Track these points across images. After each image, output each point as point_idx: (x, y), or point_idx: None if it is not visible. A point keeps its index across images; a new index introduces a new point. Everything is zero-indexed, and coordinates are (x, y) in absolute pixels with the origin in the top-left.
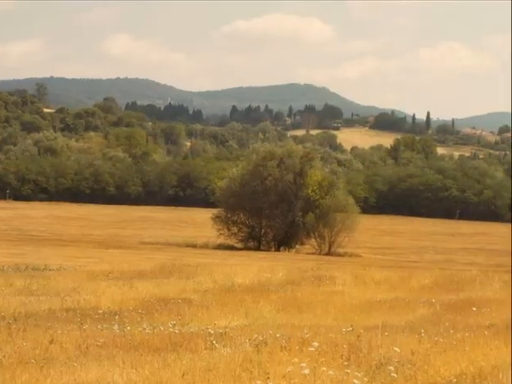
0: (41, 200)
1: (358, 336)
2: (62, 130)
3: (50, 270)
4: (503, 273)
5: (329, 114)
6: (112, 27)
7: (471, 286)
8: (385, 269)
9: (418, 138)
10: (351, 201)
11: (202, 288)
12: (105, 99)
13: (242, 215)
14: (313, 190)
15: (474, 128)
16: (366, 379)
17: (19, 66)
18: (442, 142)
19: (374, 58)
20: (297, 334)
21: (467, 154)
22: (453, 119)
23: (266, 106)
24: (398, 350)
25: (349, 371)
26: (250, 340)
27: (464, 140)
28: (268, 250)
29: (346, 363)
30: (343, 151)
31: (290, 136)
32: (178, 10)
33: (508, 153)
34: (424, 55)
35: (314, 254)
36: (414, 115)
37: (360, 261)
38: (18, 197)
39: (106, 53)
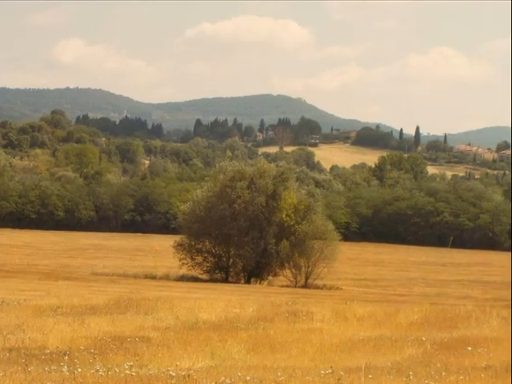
0: None
1: (339, 379)
2: (5, 146)
3: None
4: (502, 308)
5: (305, 129)
6: (62, 31)
7: (466, 323)
8: (369, 303)
9: (405, 155)
10: (331, 227)
11: (163, 325)
12: (53, 112)
13: (207, 243)
14: (287, 215)
15: (469, 144)
16: None
17: None
18: (434, 160)
19: (356, 65)
20: (269, 377)
21: (461, 174)
22: (445, 134)
23: (235, 119)
24: None
25: None
26: (216, 383)
27: (458, 158)
28: (237, 281)
29: None
30: (322, 170)
31: (262, 153)
32: (137, 11)
33: (507, 172)
34: (414, 63)
35: (288, 286)
36: (401, 130)
37: (341, 294)
38: None
39: (54, 59)
